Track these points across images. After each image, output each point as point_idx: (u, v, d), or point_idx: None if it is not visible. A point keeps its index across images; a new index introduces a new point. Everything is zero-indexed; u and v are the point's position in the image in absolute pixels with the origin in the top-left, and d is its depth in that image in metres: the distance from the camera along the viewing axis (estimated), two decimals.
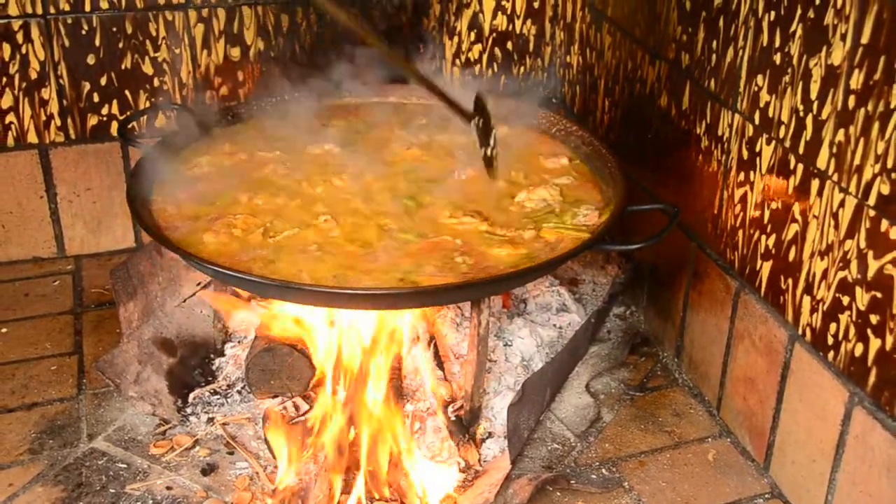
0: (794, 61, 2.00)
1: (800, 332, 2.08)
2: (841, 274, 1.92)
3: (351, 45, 3.03)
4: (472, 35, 3.21)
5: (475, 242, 2.13)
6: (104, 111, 2.93)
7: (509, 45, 3.25)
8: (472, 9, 3.16)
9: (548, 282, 2.74)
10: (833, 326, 1.96)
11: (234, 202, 2.27)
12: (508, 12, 3.20)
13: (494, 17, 3.20)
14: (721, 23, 2.25)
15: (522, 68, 3.31)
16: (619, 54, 2.81)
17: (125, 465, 2.27)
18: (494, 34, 3.23)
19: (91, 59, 2.86)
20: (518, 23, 3.23)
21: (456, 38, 3.20)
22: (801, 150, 2.01)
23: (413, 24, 3.14)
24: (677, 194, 2.53)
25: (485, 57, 3.25)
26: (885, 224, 1.78)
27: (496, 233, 2.15)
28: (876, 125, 1.77)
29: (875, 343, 1.84)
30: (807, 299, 2.04)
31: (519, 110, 2.68)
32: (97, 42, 2.84)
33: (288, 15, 2.98)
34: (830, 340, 1.98)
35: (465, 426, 2.26)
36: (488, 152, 2.27)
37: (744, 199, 2.24)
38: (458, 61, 3.23)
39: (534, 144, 2.55)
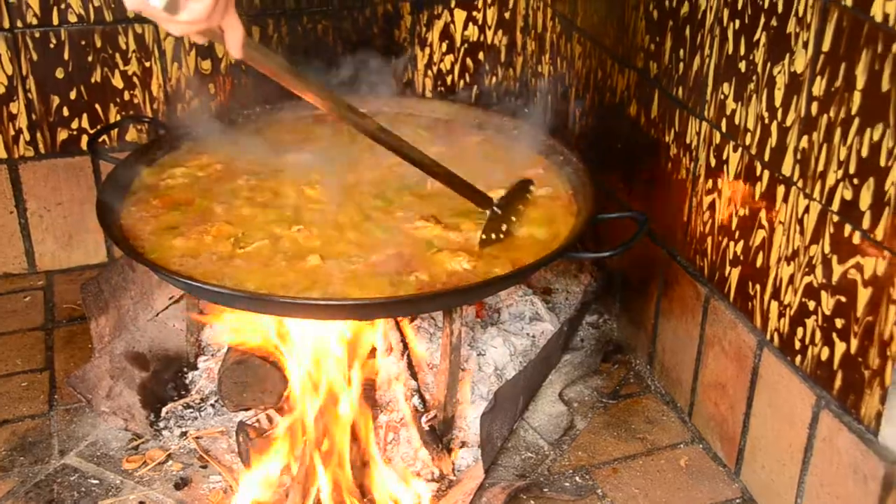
0: (759, 69, 2.02)
1: (768, 337, 2.10)
2: (807, 279, 1.94)
3: (323, 59, 3.05)
4: (444, 46, 3.22)
5: (427, 251, 2.15)
6: (74, 125, 2.92)
7: (481, 55, 3.27)
8: (444, 20, 3.18)
9: (521, 291, 2.74)
10: (800, 331, 1.98)
11: (208, 212, 2.28)
12: (480, 23, 3.21)
13: (466, 27, 3.21)
14: (687, 32, 2.27)
15: (494, 78, 3.32)
16: (590, 63, 2.82)
17: (97, 481, 2.26)
18: (466, 45, 3.24)
19: (60, 73, 2.84)
20: (489, 33, 3.25)
21: (428, 49, 3.21)
22: (766, 157, 2.03)
23: (385, 34, 3.15)
24: (647, 202, 2.55)
25: (457, 67, 3.26)
26: (848, 229, 1.80)
27: (449, 237, 2.18)
28: (838, 131, 1.79)
29: (840, 347, 1.86)
30: (774, 304, 2.06)
31: (491, 120, 2.70)
32: (66, 56, 2.83)
33: (259, 27, 2.98)
34: (797, 345, 1.99)
35: (438, 436, 2.26)
36: (492, 237, 2.17)
37: (712, 206, 2.26)
38: (430, 72, 3.24)
39: (511, 153, 2.58)
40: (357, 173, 2.45)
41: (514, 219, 2.24)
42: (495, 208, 2.20)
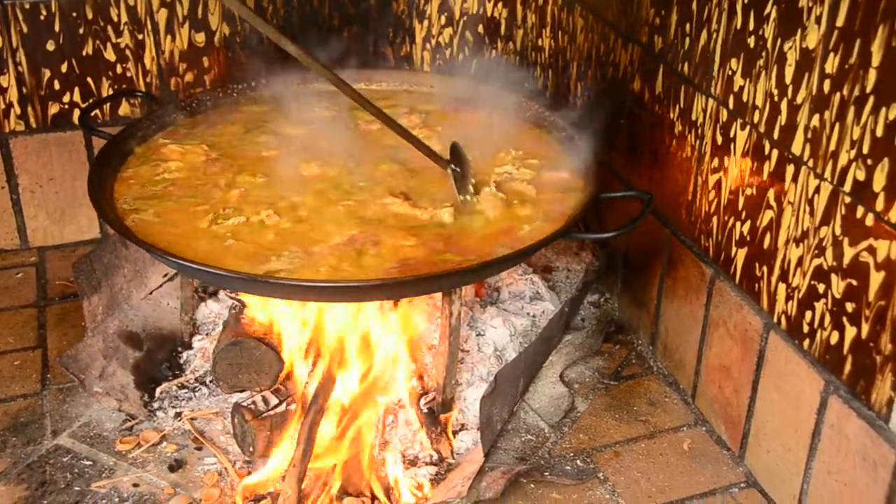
0: (769, 45, 1.97)
1: (775, 319, 2.06)
2: (816, 261, 1.89)
3: (319, 31, 3.00)
4: (443, 18, 3.16)
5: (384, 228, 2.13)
6: (65, 99, 2.87)
7: (480, 28, 3.21)
8: None
9: (521, 269, 2.70)
10: (808, 314, 1.94)
11: (200, 189, 2.26)
12: None
13: (465, 0, 3.15)
14: (694, 5, 2.21)
15: (494, 52, 3.26)
16: (592, 37, 2.77)
17: (90, 463, 2.22)
18: (465, 17, 3.18)
19: (51, 46, 2.78)
20: (489, 6, 3.18)
21: (426, 22, 3.15)
22: (775, 136, 1.99)
23: (382, 7, 3.08)
24: (651, 180, 2.50)
25: (455, 40, 3.20)
26: (860, 211, 1.75)
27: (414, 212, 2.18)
28: (851, 110, 1.74)
29: (850, 331, 1.82)
30: (782, 287, 2.02)
31: (491, 94, 2.65)
32: (56, 28, 2.77)
33: None
34: (806, 328, 1.95)
35: (437, 418, 2.23)
36: (467, 198, 2.20)
37: (718, 185, 2.21)
38: (428, 45, 3.18)
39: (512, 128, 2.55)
40: (347, 151, 2.42)
41: (472, 179, 2.24)
42: (453, 166, 2.21)
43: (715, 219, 2.24)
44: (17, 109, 2.84)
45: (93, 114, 2.86)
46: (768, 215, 2.04)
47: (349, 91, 2.09)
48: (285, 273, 1.94)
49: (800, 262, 1.94)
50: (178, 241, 2.05)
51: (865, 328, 1.77)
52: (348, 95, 2.10)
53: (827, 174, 1.84)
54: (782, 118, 1.95)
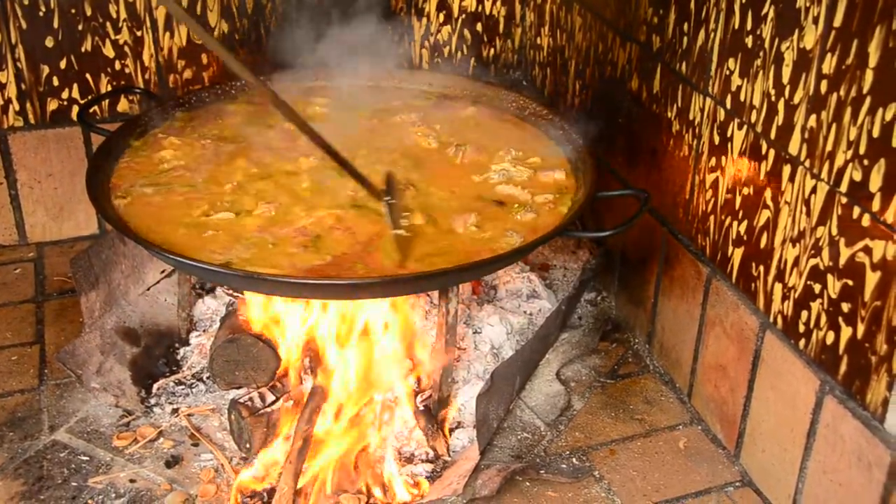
0: (766, 45, 1.97)
1: (771, 319, 2.06)
2: (813, 261, 1.89)
3: (317, 27, 2.99)
4: (441, 16, 3.16)
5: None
6: (64, 95, 2.86)
7: (479, 26, 3.21)
8: None
9: (518, 267, 2.70)
10: (804, 314, 1.94)
11: (199, 177, 2.28)
12: None
13: None
14: (692, 5, 2.22)
15: (492, 50, 3.26)
16: (590, 36, 2.77)
17: (87, 458, 2.23)
18: (464, 15, 3.18)
19: (49, 42, 2.78)
20: (488, 4, 3.18)
21: (425, 20, 3.15)
22: (772, 136, 1.99)
23: (381, 5, 3.08)
24: (648, 179, 2.50)
25: (454, 38, 3.20)
26: (856, 211, 1.76)
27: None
28: (848, 110, 1.75)
29: (846, 331, 1.82)
30: (778, 286, 2.02)
31: (489, 93, 2.65)
32: (55, 24, 2.77)
33: None
34: (802, 328, 1.96)
35: (433, 416, 2.23)
36: (400, 232, 2.10)
37: (715, 184, 2.21)
38: (426, 43, 3.18)
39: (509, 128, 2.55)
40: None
41: (405, 213, 2.16)
42: (388, 199, 2.16)
43: (712, 218, 2.24)
44: (15, 105, 2.84)
45: (91, 110, 2.86)
46: (765, 215, 2.04)
47: (294, 116, 2.11)
48: (240, 264, 1.95)
49: (796, 262, 1.95)
50: (160, 232, 2.07)
51: (861, 328, 1.78)
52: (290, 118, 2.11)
53: (824, 174, 1.84)
54: (779, 118, 1.96)
